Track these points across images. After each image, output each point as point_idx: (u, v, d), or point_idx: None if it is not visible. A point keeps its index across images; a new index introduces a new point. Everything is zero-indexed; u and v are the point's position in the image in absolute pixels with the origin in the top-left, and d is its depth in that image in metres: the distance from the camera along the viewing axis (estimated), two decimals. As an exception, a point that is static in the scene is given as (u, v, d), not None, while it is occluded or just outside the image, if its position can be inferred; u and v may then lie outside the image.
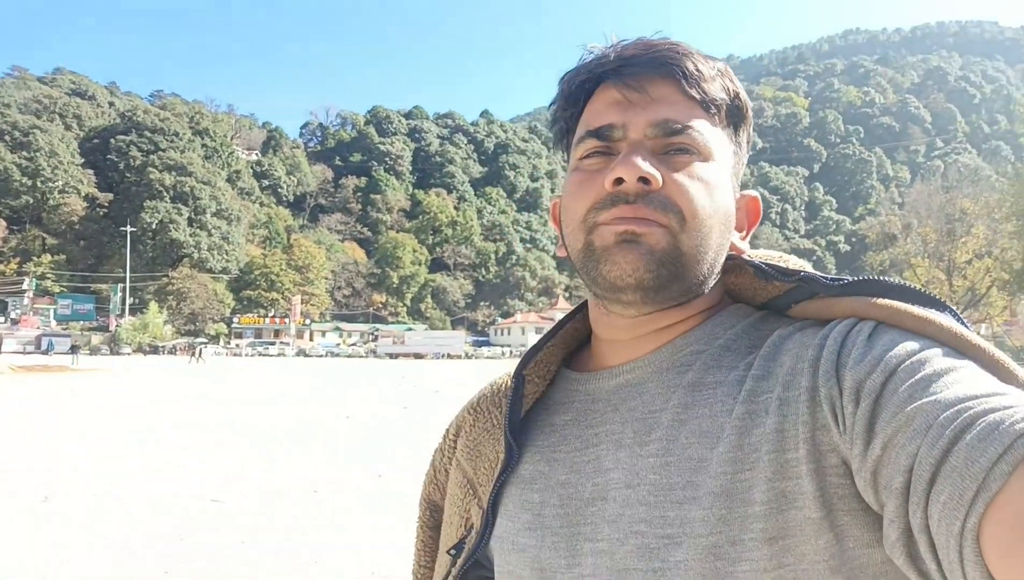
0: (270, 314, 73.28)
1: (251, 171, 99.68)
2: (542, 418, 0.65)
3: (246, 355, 59.84)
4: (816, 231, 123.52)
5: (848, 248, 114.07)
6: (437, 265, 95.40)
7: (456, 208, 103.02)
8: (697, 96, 0.56)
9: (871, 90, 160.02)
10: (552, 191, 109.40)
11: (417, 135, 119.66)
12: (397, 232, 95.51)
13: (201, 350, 46.90)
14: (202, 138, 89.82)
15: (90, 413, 13.76)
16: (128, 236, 72.65)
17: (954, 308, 0.52)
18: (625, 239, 0.54)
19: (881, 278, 0.54)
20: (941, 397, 0.42)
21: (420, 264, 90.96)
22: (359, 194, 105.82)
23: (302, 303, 74.44)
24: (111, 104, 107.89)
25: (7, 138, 79.03)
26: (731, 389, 0.54)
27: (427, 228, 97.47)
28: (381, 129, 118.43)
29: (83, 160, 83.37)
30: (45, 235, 77.76)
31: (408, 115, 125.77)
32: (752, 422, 0.51)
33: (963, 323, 0.51)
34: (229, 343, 67.02)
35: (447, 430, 0.73)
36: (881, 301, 0.52)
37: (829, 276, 0.56)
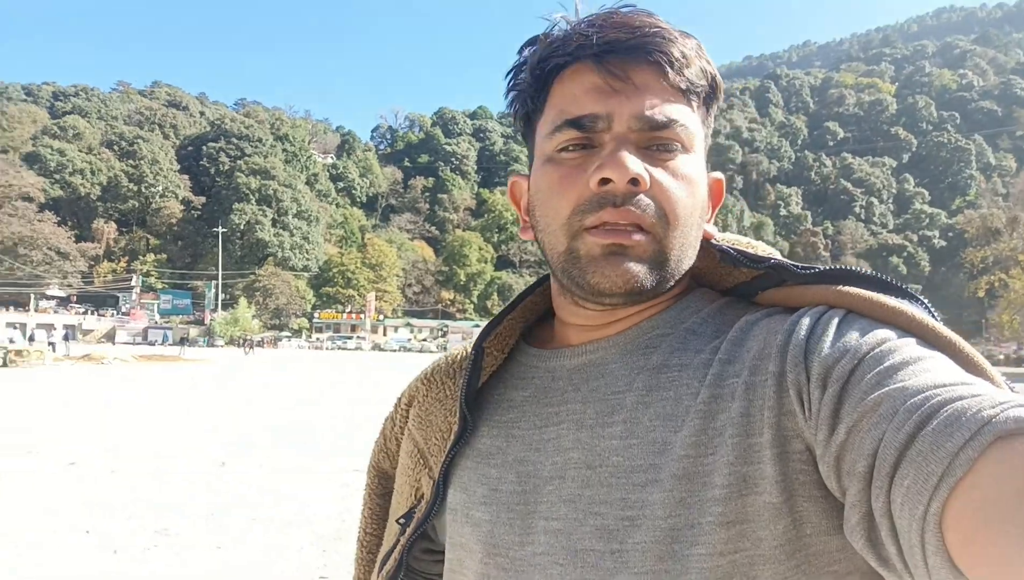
0: (347, 310, 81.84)
1: (327, 174, 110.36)
2: (499, 392, 0.67)
3: (327, 349, 68.16)
4: (907, 225, 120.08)
5: (944, 244, 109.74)
6: (503, 263, 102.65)
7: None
8: (683, 85, 0.56)
9: (968, 72, 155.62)
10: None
11: (482, 135, 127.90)
12: (464, 230, 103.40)
13: (252, 344, 54.84)
14: (283, 143, 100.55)
15: (222, 395, 16.82)
16: (220, 236, 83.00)
17: (925, 301, 0.53)
18: (612, 251, 0.55)
19: (852, 268, 0.56)
20: (908, 384, 0.43)
21: (486, 262, 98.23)
22: (427, 194, 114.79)
23: (376, 299, 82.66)
24: (202, 113, 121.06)
25: (115, 148, 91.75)
26: (697, 372, 0.56)
27: (493, 226, 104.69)
28: (447, 130, 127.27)
29: (179, 166, 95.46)
30: (149, 236, 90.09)
31: (473, 115, 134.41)
32: (717, 406, 0.53)
33: (934, 316, 0.52)
34: (311, 337, 75.95)
35: (399, 399, 0.74)
36: (852, 290, 0.54)
37: (799, 264, 0.58)
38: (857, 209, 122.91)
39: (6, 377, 22.30)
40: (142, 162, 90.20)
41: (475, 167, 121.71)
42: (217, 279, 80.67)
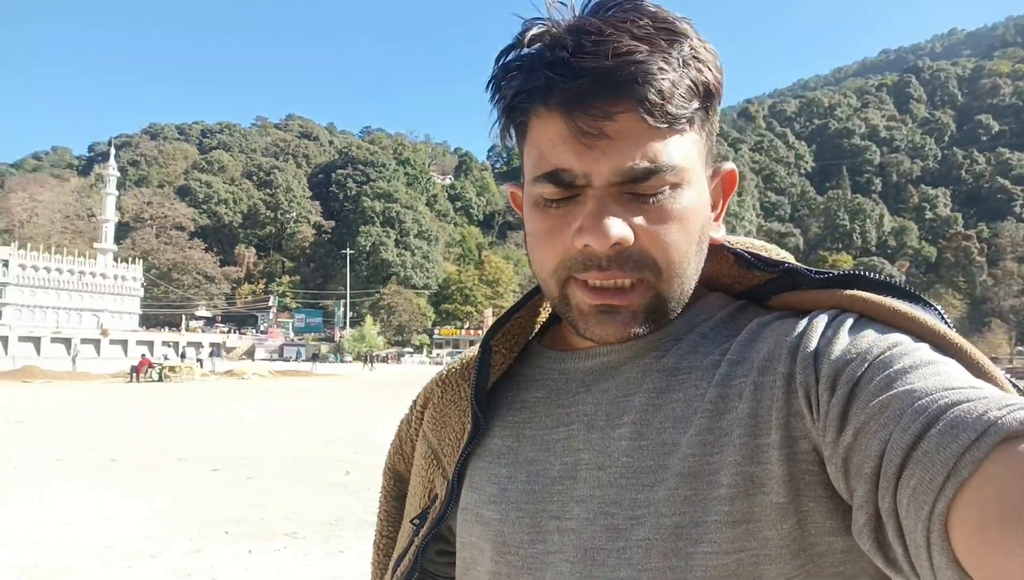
0: (465, 326, 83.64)
1: (446, 194, 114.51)
2: (513, 393, 0.67)
3: (447, 364, 69.56)
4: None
5: None
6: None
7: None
8: (664, 125, 0.52)
9: None
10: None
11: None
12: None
13: (374, 359, 56.49)
14: (404, 167, 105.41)
15: (346, 406, 18.65)
16: (347, 257, 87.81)
17: (938, 307, 0.53)
18: (603, 310, 0.56)
19: (866, 273, 0.56)
20: (916, 387, 0.43)
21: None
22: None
23: (493, 316, 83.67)
24: (330, 142, 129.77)
25: (254, 178, 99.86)
26: (705, 373, 0.56)
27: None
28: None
29: (311, 193, 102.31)
30: (284, 259, 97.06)
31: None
32: (724, 406, 0.53)
33: (947, 323, 0.52)
34: (431, 353, 78.21)
35: (414, 402, 0.74)
36: (865, 294, 0.54)
37: (813, 268, 0.58)
38: (1017, 209, 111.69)
39: (162, 390, 24.74)
40: (278, 190, 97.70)
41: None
42: (345, 298, 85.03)
